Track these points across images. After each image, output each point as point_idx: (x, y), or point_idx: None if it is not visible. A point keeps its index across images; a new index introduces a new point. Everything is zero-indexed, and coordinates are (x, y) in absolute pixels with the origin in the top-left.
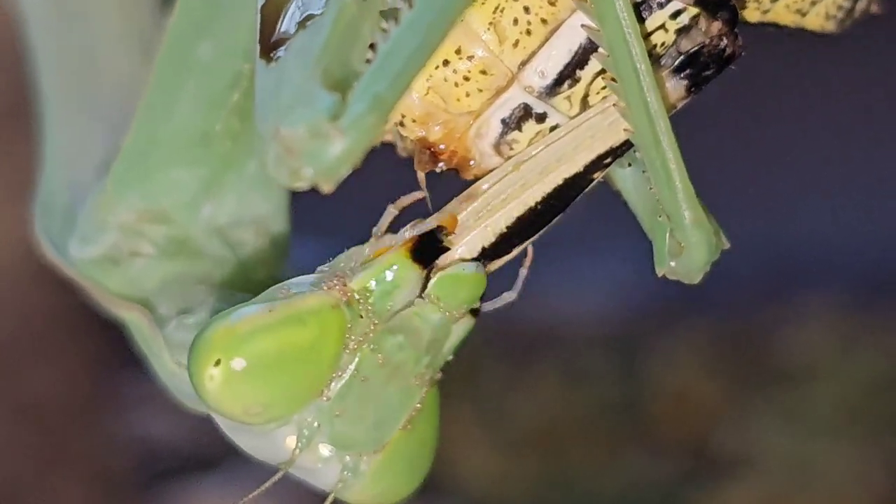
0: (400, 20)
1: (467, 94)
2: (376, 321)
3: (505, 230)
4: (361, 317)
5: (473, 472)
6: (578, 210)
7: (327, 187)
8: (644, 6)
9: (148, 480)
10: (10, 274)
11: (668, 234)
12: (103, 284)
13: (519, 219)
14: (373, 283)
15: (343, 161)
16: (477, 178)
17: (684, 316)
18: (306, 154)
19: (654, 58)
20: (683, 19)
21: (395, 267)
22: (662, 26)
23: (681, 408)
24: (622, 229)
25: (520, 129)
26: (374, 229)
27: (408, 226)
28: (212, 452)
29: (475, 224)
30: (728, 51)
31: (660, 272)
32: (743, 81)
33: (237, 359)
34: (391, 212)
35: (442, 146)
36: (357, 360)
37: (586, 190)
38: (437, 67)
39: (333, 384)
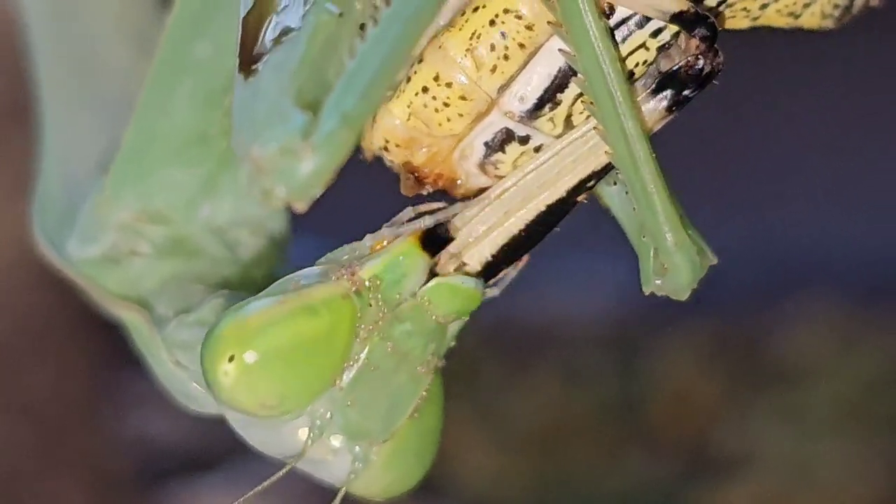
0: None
1: (448, 119)
2: (385, 309)
3: (492, 256)
4: (371, 305)
5: (472, 472)
6: (578, 210)
7: (301, 206)
8: (622, 26)
9: (148, 480)
10: (10, 274)
11: (652, 255)
12: (101, 284)
13: (504, 246)
14: (383, 271)
15: (314, 179)
16: (466, 195)
17: (684, 316)
18: (278, 173)
19: (635, 78)
20: (665, 37)
21: (404, 255)
22: (643, 45)
23: (680, 407)
24: (622, 229)
25: (503, 150)
26: (385, 226)
27: (407, 211)
28: (212, 452)
29: (479, 240)
30: (706, 69)
31: (646, 290)
32: (743, 81)
33: (251, 352)
34: (409, 213)
35: (426, 169)
36: (368, 348)
37: (570, 212)
38: (416, 94)
39: (345, 374)
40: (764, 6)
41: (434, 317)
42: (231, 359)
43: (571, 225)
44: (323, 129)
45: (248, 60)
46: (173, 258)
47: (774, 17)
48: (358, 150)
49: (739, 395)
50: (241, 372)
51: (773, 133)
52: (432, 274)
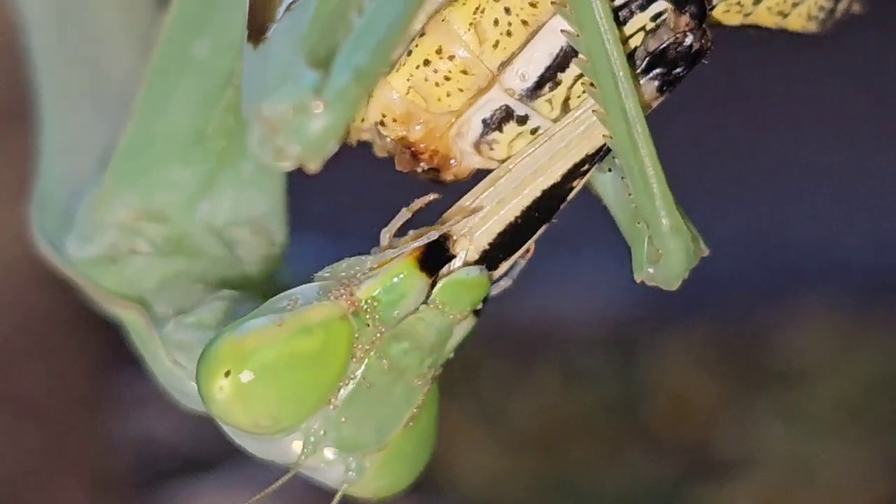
0: None
1: (448, 94)
2: (383, 329)
3: (497, 238)
4: (368, 325)
5: (473, 472)
6: (578, 210)
7: (314, 165)
8: (625, 9)
9: (148, 480)
10: (10, 274)
11: (646, 241)
12: (100, 283)
13: (500, 234)
14: (380, 293)
15: (327, 134)
16: (457, 178)
17: (684, 316)
18: (291, 130)
19: (633, 61)
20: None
21: (402, 276)
22: (643, 28)
23: (680, 408)
24: (618, 226)
25: (500, 129)
26: (384, 231)
27: (410, 233)
28: (212, 452)
29: (474, 230)
30: (695, 46)
31: (638, 278)
32: (745, 79)
33: (247, 372)
34: (404, 214)
35: (422, 145)
36: (363, 367)
37: (568, 199)
38: (417, 67)
39: (340, 392)
40: (757, 2)
41: (451, 317)
42: (227, 375)
43: (572, 225)
44: (335, 84)
45: (258, 31)
46: (172, 257)
47: (765, 15)
48: (354, 149)
49: (739, 396)
50: (236, 390)
51: (773, 133)
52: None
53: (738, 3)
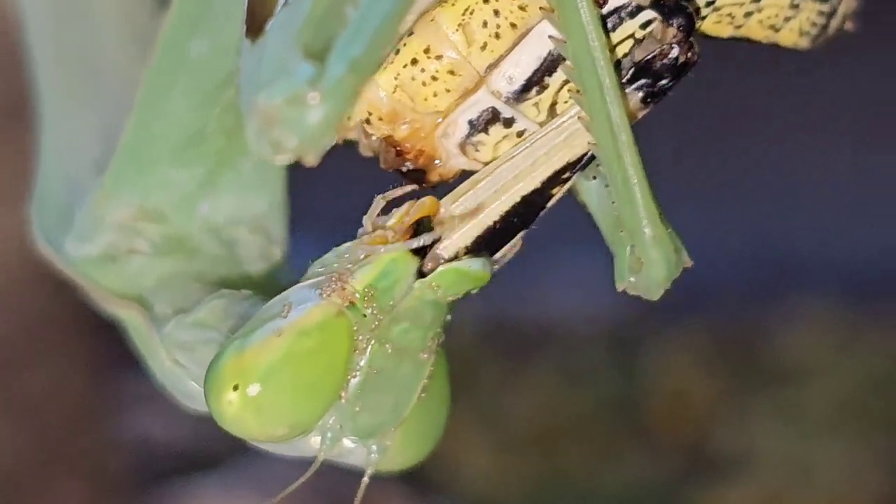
0: None
1: (435, 94)
2: (381, 317)
3: (473, 243)
4: (365, 315)
5: (471, 472)
6: (577, 210)
7: (311, 158)
8: (614, 16)
9: (148, 480)
10: (10, 274)
11: (628, 250)
12: (100, 283)
13: (478, 238)
14: (376, 280)
15: (324, 126)
16: (442, 179)
17: (682, 315)
18: (287, 122)
19: (619, 70)
20: (654, 28)
21: (394, 262)
22: (632, 36)
23: (679, 407)
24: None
25: (486, 131)
26: (365, 218)
27: (394, 212)
28: (212, 452)
29: (459, 225)
30: (681, 59)
31: (619, 287)
32: (744, 79)
33: (253, 385)
34: (379, 202)
35: (408, 145)
36: (368, 356)
37: (548, 206)
38: (405, 66)
39: (350, 385)
40: (748, 14)
41: (444, 298)
42: (235, 388)
43: (570, 224)
44: (330, 76)
45: (257, 27)
46: (172, 256)
47: (756, 28)
48: (355, 149)
49: (738, 395)
50: (246, 403)
51: (773, 133)
52: (419, 273)
53: (730, 15)
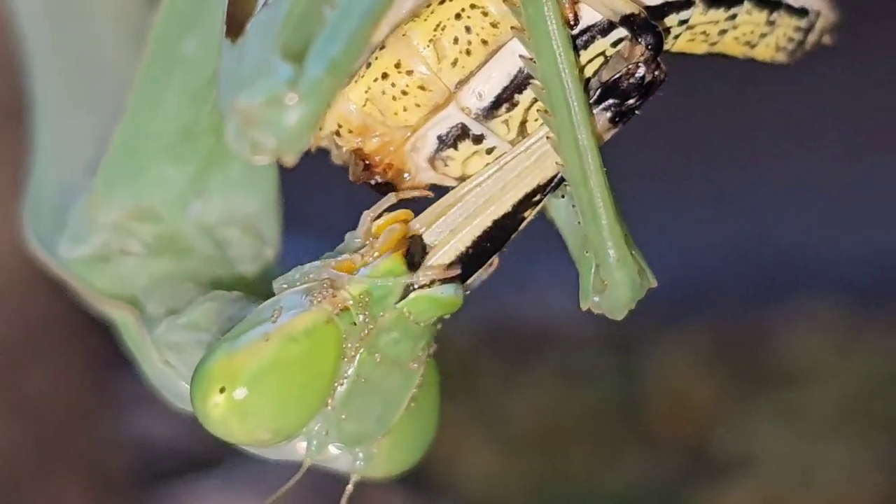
0: None
1: (405, 109)
2: (371, 325)
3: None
4: (356, 323)
5: (471, 472)
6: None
7: (290, 158)
8: (586, 33)
9: (148, 480)
10: (10, 274)
11: (592, 270)
12: (93, 283)
13: (451, 263)
14: (372, 288)
15: (302, 126)
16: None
17: (683, 316)
18: (266, 123)
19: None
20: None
21: (390, 272)
22: (603, 53)
23: (679, 408)
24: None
25: (455, 147)
26: (348, 235)
27: (365, 216)
28: (212, 452)
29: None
30: (647, 78)
31: (584, 306)
32: (744, 79)
33: (240, 389)
34: (367, 219)
35: (377, 158)
36: (356, 364)
37: (519, 229)
38: (376, 80)
39: (337, 392)
40: (723, 32)
41: (417, 323)
42: (221, 391)
43: None
44: (308, 76)
45: (237, 27)
46: (164, 257)
47: (731, 45)
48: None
49: (738, 396)
50: (231, 407)
51: (773, 133)
52: (407, 287)
53: (704, 33)
